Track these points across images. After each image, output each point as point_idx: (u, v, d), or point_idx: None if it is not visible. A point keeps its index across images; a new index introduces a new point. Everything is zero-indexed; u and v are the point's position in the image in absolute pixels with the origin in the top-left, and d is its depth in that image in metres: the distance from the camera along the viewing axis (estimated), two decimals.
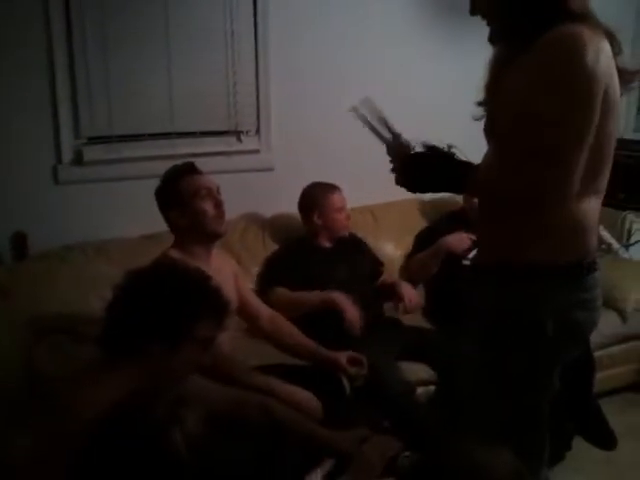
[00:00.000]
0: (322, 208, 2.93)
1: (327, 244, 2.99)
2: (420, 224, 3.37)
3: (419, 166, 1.60)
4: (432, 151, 1.59)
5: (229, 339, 2.25)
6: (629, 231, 3.63)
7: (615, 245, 3.55)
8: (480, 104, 1.68)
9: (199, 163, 2.29)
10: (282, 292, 2.73)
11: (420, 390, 2.62)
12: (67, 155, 2.85)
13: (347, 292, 2.76)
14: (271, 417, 1.78)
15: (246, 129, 3.22)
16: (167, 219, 2.25)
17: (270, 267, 2.94)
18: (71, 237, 2.73)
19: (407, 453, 1.40)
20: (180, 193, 2.19)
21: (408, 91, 3.37)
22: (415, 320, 2.98)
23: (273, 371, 2.27)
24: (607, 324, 3.15)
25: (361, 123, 1.63)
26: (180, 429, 1.35)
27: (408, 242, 3.27)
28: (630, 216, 3.61)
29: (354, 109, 1.63)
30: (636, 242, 3.53)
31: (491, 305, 1.64)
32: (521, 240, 1.56)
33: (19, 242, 2.72)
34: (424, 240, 3.22)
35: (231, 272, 2.37)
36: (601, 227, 3.49)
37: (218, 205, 2.21)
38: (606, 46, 1.43)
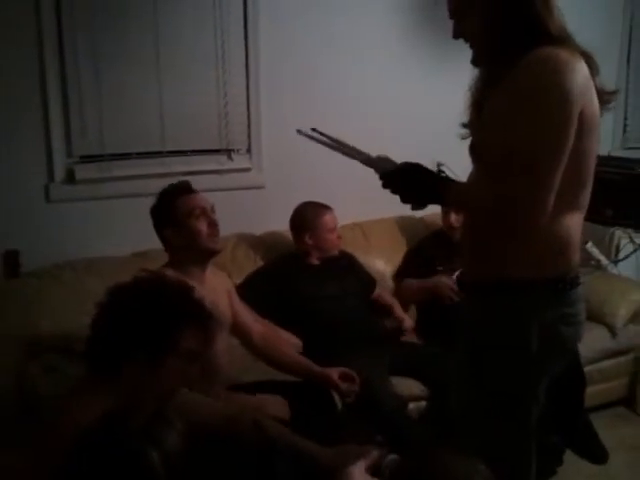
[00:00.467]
0: (314, 229, 2.95)
1: (316, 262, 3.00)
2: (410, 240, 3.40)
3: (402, 179, 1.62)
4: (414, 167, 1.62)
5: (227, 351, 2.27)
6: (617, 247, 3.67)
7: (604, 261, 3.58)
8: (465, 125, 1.72)
9: (190, 181, 2.30)
10: None
11: (412, 406, 2.62)
12: (59, 174, 2.86)
13: (337, 308, 2.78)
14: (263, 433, 1.78)
15: (237, 147, 3.24)
16: (161, 237, 2.26)
17: (252, 280, 2.91)
18: (63, 255, 2.73)
19: (392, 456, 1.40)
20: (175, 213, 2.20)
21: (399, 109, 3.41)
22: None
23: (264, 387, 2.28)
24: (597, 339, 3.18)
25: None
26: (159, 448, 1.35)
27: (398, 258, 3.31)
28: (618, 232, 3.64)
29: (300, 132, 1.71)
30: (624, 258, 3.56)
31: (476, 320, 1.67)
32: (504, 256, 1.59)
33: (11, 260, 2.72)
34: (414, 258, 3.26)
35: (225, 289, 2.37)
36: (590, 243, 3.52)
37: (212, 224, 2.22)
38: (583, 67, 1.47)
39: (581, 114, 1.45)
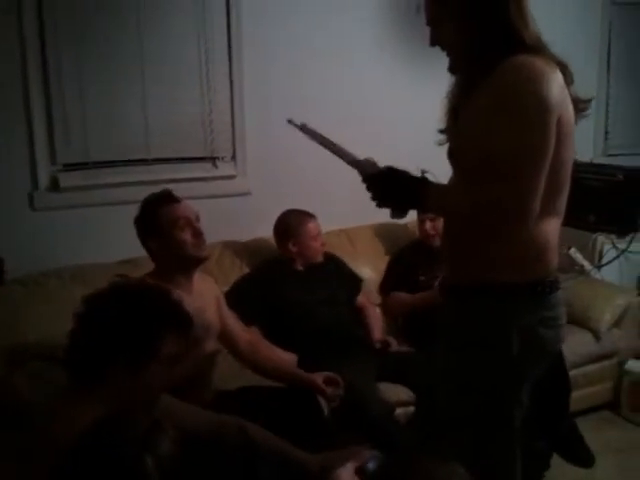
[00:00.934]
0: (297, 237, 2.96)
1: (301, 268, 3.01)
2: (396, 246, 3.41)
3: (383, 183, 1.64)
4: (396, 171, 1.64)
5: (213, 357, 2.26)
6: (600, 252, 3.70)
7: (587, 266, 3.60)
8: (442, 132, 1.74)
9: (176, 189, 2.30)
10: None
11: (400, 411, 2.62)
12: (43, 181, 2.84)
13: (324, 313, 2.78)
14: (247, 438, 1.77)
15: (222, 155, 3.24)
16: (146, 248, 2.25)
17: (239, 287, 2.90)
18: (48, 263, 2.71)
19: (374, 459, 1.40)
20: (158, 224, 2.19)
21: (385, 114, 3.45)
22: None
23: (251, 393, 2.28)
24: (582, 343, 3.21)
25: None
26: (153, 453, 1.34)
27: (384, 264, 3.32)
28: (601, 238, 3.68)
29: (291, 122, 1.71)
30: (607, 263, 3.58)
31: (454, 324, 1.69)
32: (482, 260, 1.61)
33: None
34: (396, 270, 3.28)
35: (213, 295, 2.37)
36: (573, 249, 3.55)
37: (197, 234, 2.21)
38: (559, 76, 1.49)
39: (558, 122, 1.47)
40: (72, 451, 1.29)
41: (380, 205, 1.65)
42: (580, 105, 1.60)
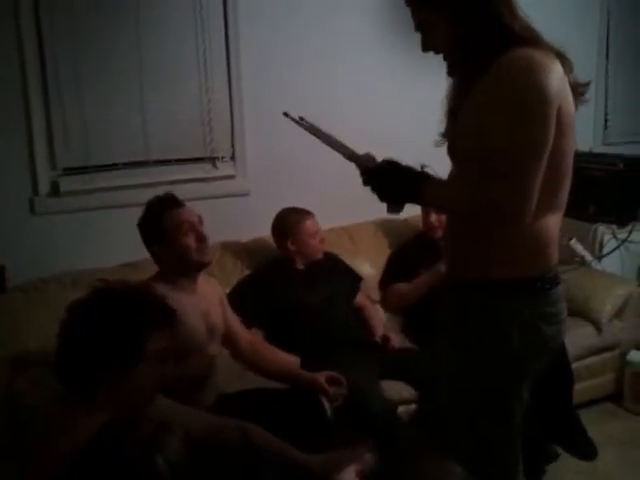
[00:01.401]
0: (296, 235, 2.95)
1: (302, 267, 3.01)
2: (395, 243, 3.41)
3: (381, 176, 1.64)
4: (394, 164, 1.64)
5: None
6: (601, 243, 3.70)
7: (588, 257, 3.61)
8: (443, 135, 1.72)
9: (175, 190, 2.31)
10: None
11: (402, 409, 2.63)
12: (43, 186, 2.85)
13: (327, 312, 2.79)
14: (249, 441, 1.78)
15: (221, 155, 3.24)
16: (150, 251, 2.26)
17: (241, 288, 2.91)
18: (49, 268, 2.73)
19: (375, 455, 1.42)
20: (162, 229, 2.19)
21: (384, 109, 3.46)
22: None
23: (252, 395, 2.29)
24: (583, 336, 3.21)
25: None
26: (163, 454, 1.35)
27: (385, 261, 3.33)
28: (601, 228, 3.68)
29: (287, 115, 1.70)
30: (608, 253, 3.59)
31: (457, 321, 1.69)
32: (482, 256, 1.60)
33: None
34: (396, 264, 3.27)
35: (217, 297, 2.38)
36: (574, 240, 3.56)
37: (200, 238, 2.21)
38: (557, 67, 1.48)
39: (558, 113, 1.46)
40: (80, 458, 1.30)
41: (382, 199, 1.65)
42: (579, 89, 1.59)
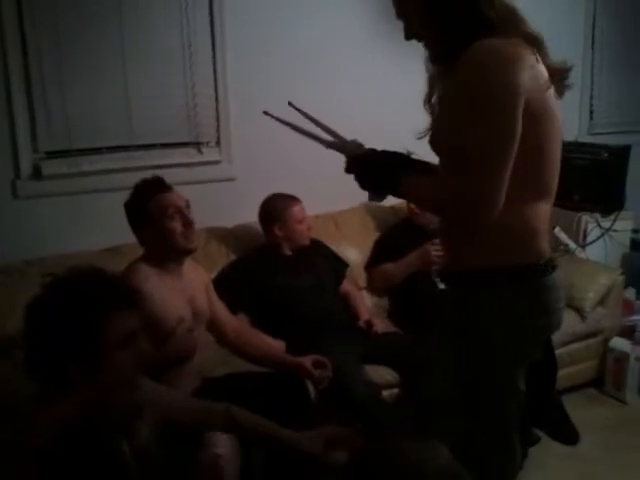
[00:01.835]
0: (283, 221, 2.95)
1: (289, 253, 3.00)
2: (381, 228, 3.42)
3: (361, 165, 1.63)
4: (374, 154, 1.63)
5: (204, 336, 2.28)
6: (585, 231, 3.72)
7: (572, 245, 3.64)
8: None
9: (160, 175, 2.29)
10: None
11: (385, 393, 2.64)
12: (25, 170, 2.82)
13: (313, 297, 2.79)
14: (235, 423, 1.78)
15: (206, 140, 3.22)
16: (136, 235, 2.25)
17: (227, 274, 2.91)
18: (31, 252, 2.70)
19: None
20: (149, 212, 2.18)
21: (372, 92, 3.46)
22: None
23: (237, 379, 2.29)
24: (567, 322, 3.15)
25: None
26: (130, 440, 1.33)
27: (370, 246, 3.33)
28: (585, 217, 3.70)
29: (267, 113, 1.70)
30: (592, 242, 3.62)
31: (447, 311, 1.67)
32: (472, 246, 1.58)
33: None
34: (382, 248, 3.28)
35: (202, 283, 2.37)
36: (558, 228, 3.58)
37: (187, 223, 2.20)
38: (527, 55, 1.44)
39: (528, 104, 1.42)
40: (54, 441, 1.29)
41: (362, 187, 1.63)
42: (560, 73, 1.54)
